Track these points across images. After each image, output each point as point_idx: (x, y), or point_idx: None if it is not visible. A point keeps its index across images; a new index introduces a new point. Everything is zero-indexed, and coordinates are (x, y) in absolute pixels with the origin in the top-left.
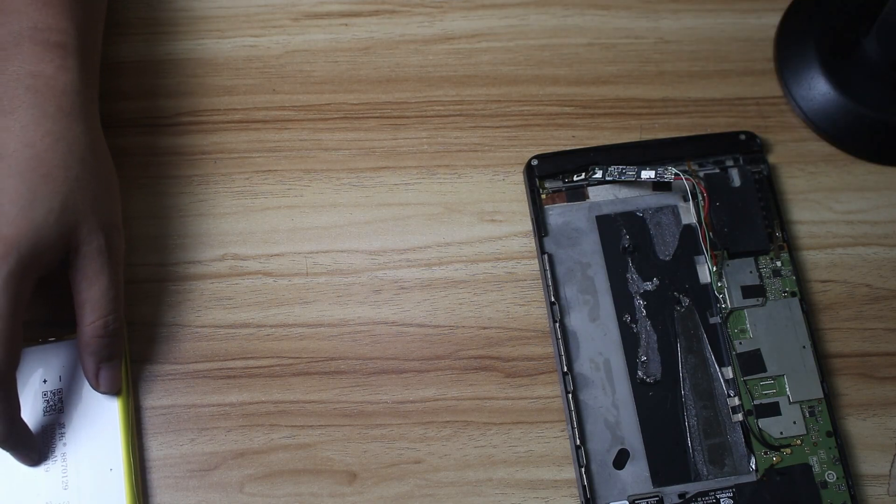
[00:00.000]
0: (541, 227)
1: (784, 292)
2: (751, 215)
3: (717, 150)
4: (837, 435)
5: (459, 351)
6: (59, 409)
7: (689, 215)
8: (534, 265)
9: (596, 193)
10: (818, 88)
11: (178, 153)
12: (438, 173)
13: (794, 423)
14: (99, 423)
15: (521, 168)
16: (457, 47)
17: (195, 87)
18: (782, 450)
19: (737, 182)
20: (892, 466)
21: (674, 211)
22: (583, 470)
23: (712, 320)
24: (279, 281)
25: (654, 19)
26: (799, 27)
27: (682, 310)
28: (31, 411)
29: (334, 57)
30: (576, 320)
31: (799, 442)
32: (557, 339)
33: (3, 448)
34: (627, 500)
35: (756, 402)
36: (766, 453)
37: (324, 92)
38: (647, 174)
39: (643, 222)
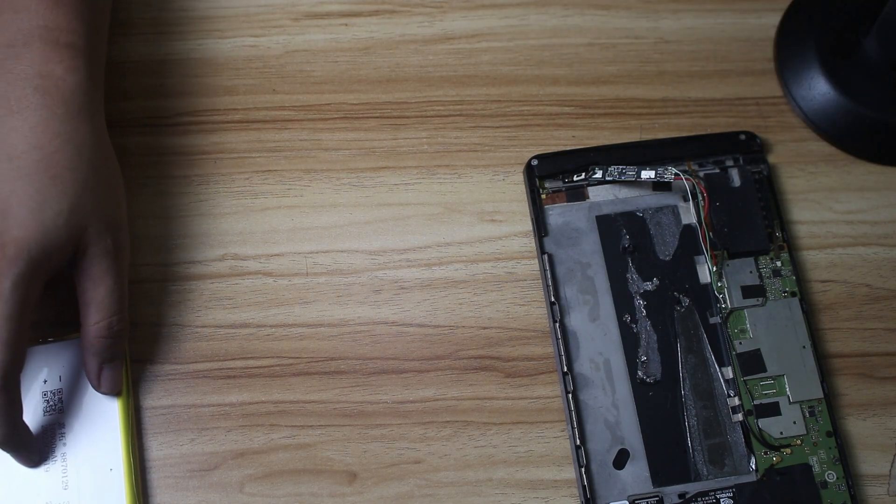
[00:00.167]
0: (541, 227)
1: (784, 292)
2: (751, 215)
3: (717, 150)
4: (837, 435)
5: (459, 351)
6: (59, 409)
7: (689, 215)
8: (534, 265)
9: (596, 193)
10: (818, 88)
11: (178, 153)
12: (438, 173)
13: (794, 423)
14: (99, 423)
15: (521, 168)
16: (457, 47)
17: (195, 87)
18: (782, 450)
19: (737, 182)
20: (892, 466)
21: (674, 211)
22: (583, 470)
23: (712, 320)
24: (279, 281)
25: (654, 19)
26: (799, 27)
27: (682, 310)
28: (31, 411)
29: (334, 57)
30: (576, 320)
31: (799, 442)
32: (557, 339)
33: (5, 449)
34: (627, 500)
35: (756, 402)
36: (766, 453)
37: (324, 92)
38: (647, 174)
39: (643, 222)
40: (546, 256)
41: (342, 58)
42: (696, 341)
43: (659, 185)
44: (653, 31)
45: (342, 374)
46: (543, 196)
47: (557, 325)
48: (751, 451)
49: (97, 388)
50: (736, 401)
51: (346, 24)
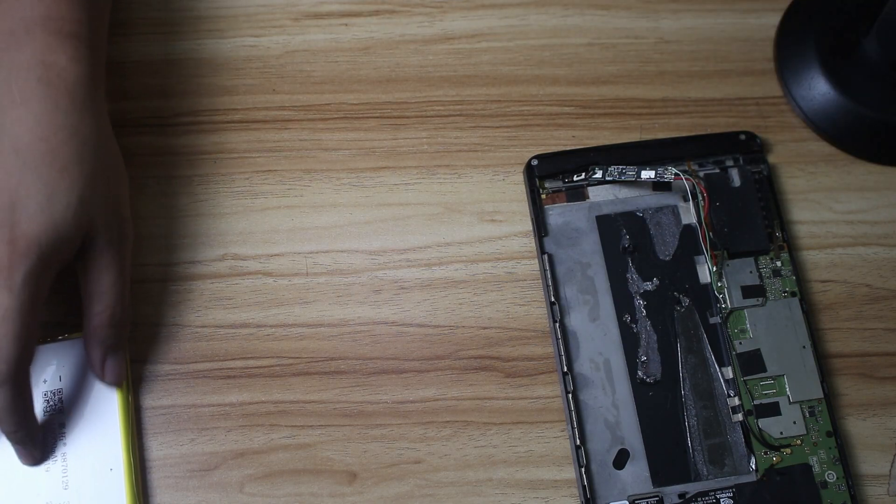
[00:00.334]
0: (541, 227)
1: (784, 292)
2: (751, 215)
3: (717, 150)
4: (837, 435)
5: (459, 351)
6: (59, 409)
7: (689, 215)
8: (534, 265)
9: (596, 193)
10: (818, 88)
11: (178, 153)
12: (438, 173)
13: (794, 423)
14: (99, 422)
15: (521, 168)
16: (457, 47)
17: (195, 87)
18: (782, 450)
19: (737, 182)
20: (892, 466)
21: (674, 211)
22: (583, 470)
23: (712, 320)
24: (279, 281)
25: (654, 19)
26: (799, 27)
27: (682, 310)
28: None
29: (334, 57)
30: (576, 320)
31: (799, 442)
32: (557, 339)
33: (12, 441)
34: (627, 500)
35: (756, 402)
36: (766, 453)
37: (324, 92)
38: (647, 174)
39: (643, 222)
40: (546, 256)
41: (342, 58)
42: (696, 341)
43: (659, 185)
44: (653, 31)
45: (342, 374)
46: (543, 196)
47: (557, 325)
48: (751, 451)
49: (101, 378)
50: (736, 401)
51: (346, 24)
